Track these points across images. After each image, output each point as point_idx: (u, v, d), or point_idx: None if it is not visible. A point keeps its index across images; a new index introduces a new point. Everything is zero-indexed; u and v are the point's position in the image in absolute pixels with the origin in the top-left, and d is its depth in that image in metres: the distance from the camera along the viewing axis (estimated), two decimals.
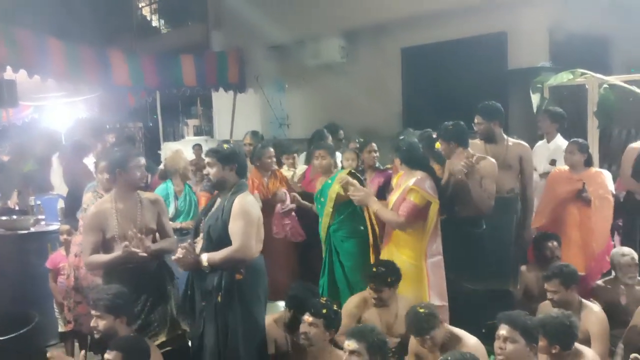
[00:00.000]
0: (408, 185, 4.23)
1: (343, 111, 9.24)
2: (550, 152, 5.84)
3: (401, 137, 4.50)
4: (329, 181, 4.85)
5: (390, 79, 9.23)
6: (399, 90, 9.22)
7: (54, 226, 5.65)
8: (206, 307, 3.55)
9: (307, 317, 3.53)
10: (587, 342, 3.79)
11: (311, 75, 10.02)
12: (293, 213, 5.29)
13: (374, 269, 4.01)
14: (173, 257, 3.53)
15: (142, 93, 9.58)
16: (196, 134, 12.52)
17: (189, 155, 8.04)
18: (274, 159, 5.45)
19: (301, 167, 6.28)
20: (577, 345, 3.41)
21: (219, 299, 3.49)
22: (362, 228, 4.77)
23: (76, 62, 7.77)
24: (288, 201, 5.24)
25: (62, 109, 10.50)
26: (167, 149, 4.74)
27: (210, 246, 3.52)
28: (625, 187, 5.52)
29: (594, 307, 3.98)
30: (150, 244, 3.74)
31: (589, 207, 4.95)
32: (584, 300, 4.00)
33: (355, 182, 4.50)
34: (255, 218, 3.61)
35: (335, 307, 3.60)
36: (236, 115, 10.06)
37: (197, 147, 9.87)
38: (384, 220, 4.35)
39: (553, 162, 5.74)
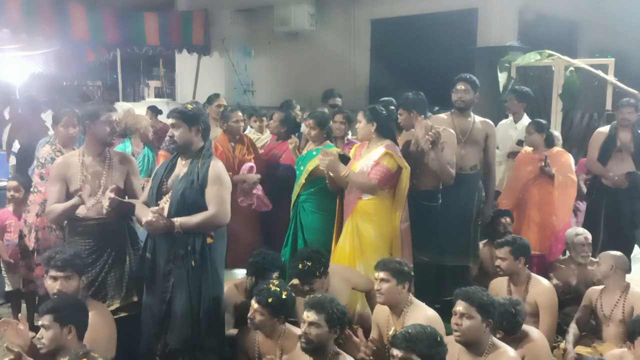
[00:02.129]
0: (377, 151, 4.17)
1: (309, 80, 9.13)
2: (517, 132, 5.86)
3: (372, 106, 4.36)
4: (314, 152, 4.72)
5: (358, 50, 9.15)
6: (367, 62, 9.15)
7: (2, 183, 5.41)
8: (175, 271, 3.43)
9: (253, 304, 3.40)
10: (536, 314, 3.91)
11: (278, 42, 9.85)
12: (259, 184, 5.19)
13: (300, 265, 3.81)
14: (144, 220, 3.38)
15: (102, 50, 9.23)
16: (157, 95, 12.22)
17: None
18: (242, 123, 5.30)
19: (267, 135, 6.16)
20: (524, 326, 3.45)
21: (193, 262, 3.39)
22: (331, 206, 4.66)
23: (33, 13, 7.42)
24: (254, 170, 5.13)
25: (17, 63, 10.07)
26: (119, 108, 4.56)
27: (183, 210, 3.41)
28: (591, 170, 5.60)
29: (543, 280, 4.08)
30: (112, 196, 3.57)
31: (549, 185, 5.01)
32: (533, 274, 4.09)
33: (329, 150, 4.39)
34: (229, 184, 3.57)
35: (284, 295, 3.39)
36: (200, 79, 9.83)
37: (151, 110, 9.54)
38: (356, 184, 4.25)
39: (520, 143, 5.76)
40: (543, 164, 4.94)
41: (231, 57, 10.01)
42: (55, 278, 3.24)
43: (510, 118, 6.00)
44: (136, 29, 8.52)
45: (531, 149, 5.18)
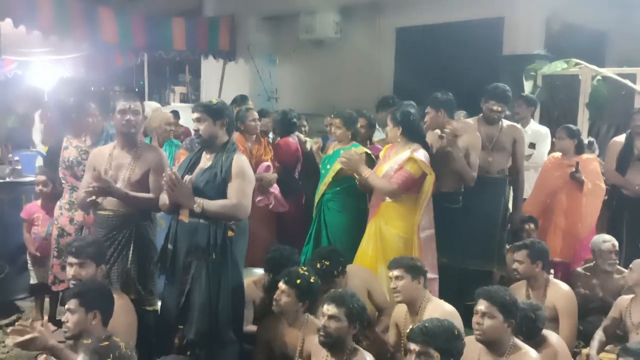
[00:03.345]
0: (403, 155, 4.16)
1: (333, 88, 9.14)
2: (528, 136, 5.87)
3: (399, 108, 4.36)
4: (342, 152, 4.76)
5: (383, 58, 9.13)
6: (391, 71, 9.12)
7: (29, 178, 5.51)
8: (195, 263, 3.45)
9: (281, 285, 3.46)
10: (555, 320, 3.86)
11: (303, 49, 9.88)
12: (276, 184, 5.23)
13: (318, 265, 3.83)
14: (164, 175, 3.36)
15: (130, 54, 9.36)
16: (182, 101, 12.36)
17: None
18: (259, 122, 5.36)
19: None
20: (543, 330, 3.41)
21: (214, 255, 3.41)
22: (356, 205, 4.71)
23: (64, 15, 7.56)
24: (271, 170, 5.18)
25: (46, 67, 10.24)
26: (147, 106, 4.63)
27: None
28: (610, 180, 5.52)
29: (562, 285, 4.03)
30: (110, 184, 3.63)
31: (577, 192, 4.95)
32: (552, 279, 4.06)
33: (353, 151, 4.39)
34: (253, 179, 3.60)
35: (312, 279, 3.49)
36: (224, 85, 9.90)
37: (173, 114, 9.64)
38: (376, 187, 4.26)
39: (532, 146, 5.82)
40: (574, 169, 4.89)
41: (256, 63, 10.08)
42: (71, 264, 3.29)
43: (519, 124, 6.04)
44: (164, 33, 8.62)
45: (560, 154, 5.14)
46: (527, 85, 6.92)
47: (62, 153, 4.46)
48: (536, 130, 5.91)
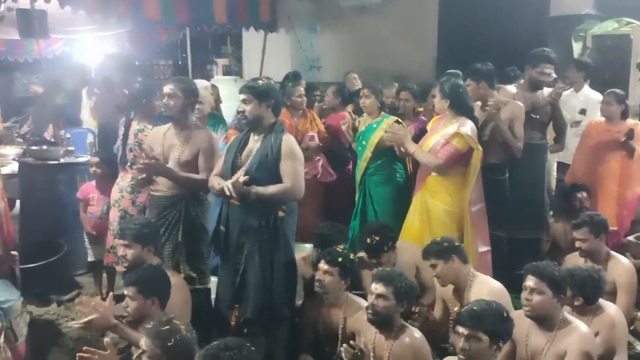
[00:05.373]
0: (450, 129, 4.13)
1: (376, 55, 9.04)
2: (579, 101, 5.79)
3: (448, 80, 4.29)
4: (374, 125, 4.77)
5: (426, 22, 8.97)
6: (435, 35, 8.96)
7: (83, 158, 5.68)
8: (247, 243, 3.54)
9: (322, 265, 3.51)
10: (614, 293, 3.79)
11: (345, 16, 9.76)
12: (322, 153, 5.27)
13: (368, 240, 3.86)
14: (218, 187, 3.43)
15: (173, 29, 9.43)
16: (225, 73, 12.42)
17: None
18: (304, 98, 5.37)
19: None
20: (600, 300, 3.37)
21: (266, 235, 3.49)
22: (398, 175, 4.73)
23: None
24: (316, 140, 5.21)
25: (92, 44, 10.43)
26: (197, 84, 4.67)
27: (257, 184, 3.47)
28: None
29: (622, 259, 3.95)
30: (158, 162, 3.76)
31: (627, 159, 4.86)
32: (612, 252, 3.97)
33: (399, 127, 4.40)
34: (302, 158, 3.63)
35: (352, 257, 3.56)
36: (266, 56, 9.88)
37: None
38: (422, 162, 4.27)
39: (583, 112, 5.70)
40: (626, 137, 4.79)
41: (297, 33, 10.01)
42: (120, 245, 3.45)
43: (571, 89, 5.87)
44: (205, 8, 8.59)
45: (602, 119, 5.04)
46: (576, 47, 6.72)
47: (134, 135, 4.48)
48: (588, 96, 5.78)
